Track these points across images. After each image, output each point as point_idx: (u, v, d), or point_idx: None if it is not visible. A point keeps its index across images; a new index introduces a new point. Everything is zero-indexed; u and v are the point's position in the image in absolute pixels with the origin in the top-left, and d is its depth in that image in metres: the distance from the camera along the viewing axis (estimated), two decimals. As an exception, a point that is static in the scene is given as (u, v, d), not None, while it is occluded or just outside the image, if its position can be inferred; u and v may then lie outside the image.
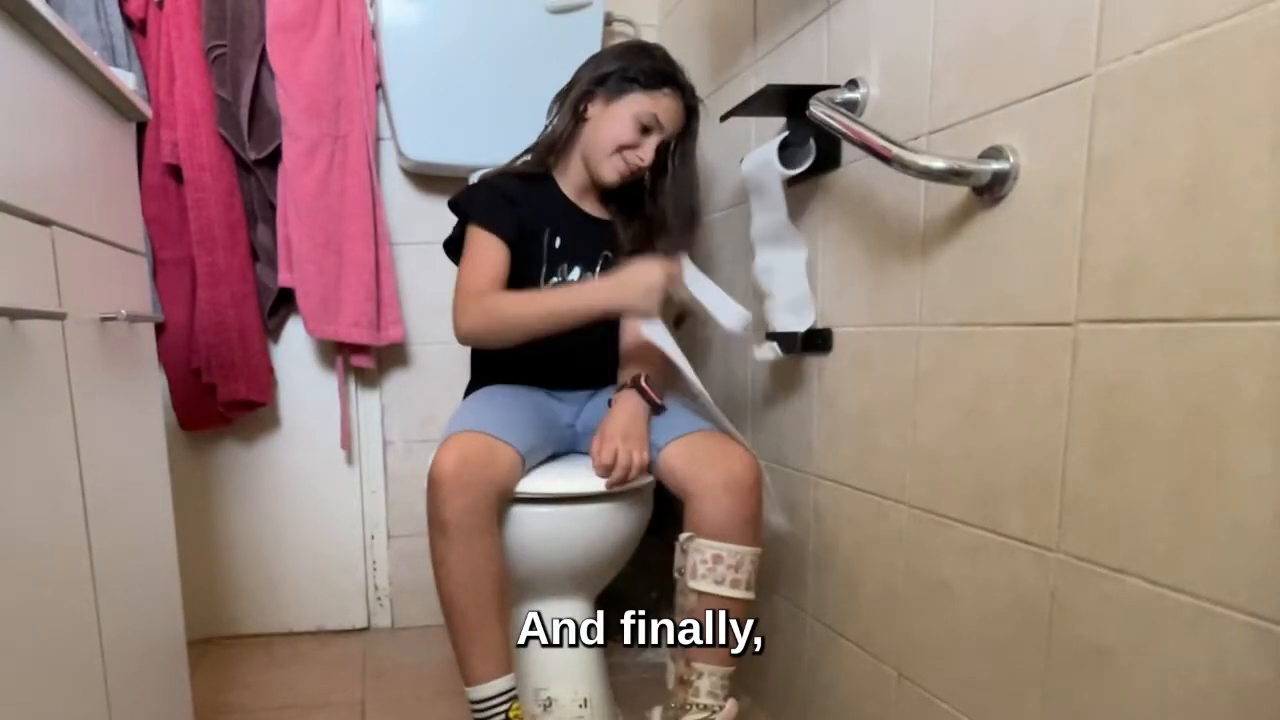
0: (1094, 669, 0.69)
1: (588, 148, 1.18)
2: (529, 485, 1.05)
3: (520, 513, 1.06)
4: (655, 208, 1.21)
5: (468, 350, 1.30)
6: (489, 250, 1.15)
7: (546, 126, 1.23)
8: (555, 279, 1.20)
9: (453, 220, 1.23)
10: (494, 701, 0.98)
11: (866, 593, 1.02)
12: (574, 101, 1.19)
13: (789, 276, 1.09)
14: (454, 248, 1.22)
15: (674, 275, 1.07)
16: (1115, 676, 0.67)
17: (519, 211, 1.17)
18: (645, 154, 1.15)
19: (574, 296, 1.09)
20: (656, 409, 1.11)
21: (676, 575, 1.02)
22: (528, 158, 1.25)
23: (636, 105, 1.14)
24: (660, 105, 1.14)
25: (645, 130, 1.14)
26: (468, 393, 1.28)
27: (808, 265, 1.09)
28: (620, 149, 1.15)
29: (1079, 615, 0.70)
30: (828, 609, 1.11)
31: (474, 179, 1.29)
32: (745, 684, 1.33)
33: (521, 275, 1.18)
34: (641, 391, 1.11)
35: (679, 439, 1.06)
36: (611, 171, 1.17)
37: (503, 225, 1.15)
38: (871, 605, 1.01)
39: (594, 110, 1.18)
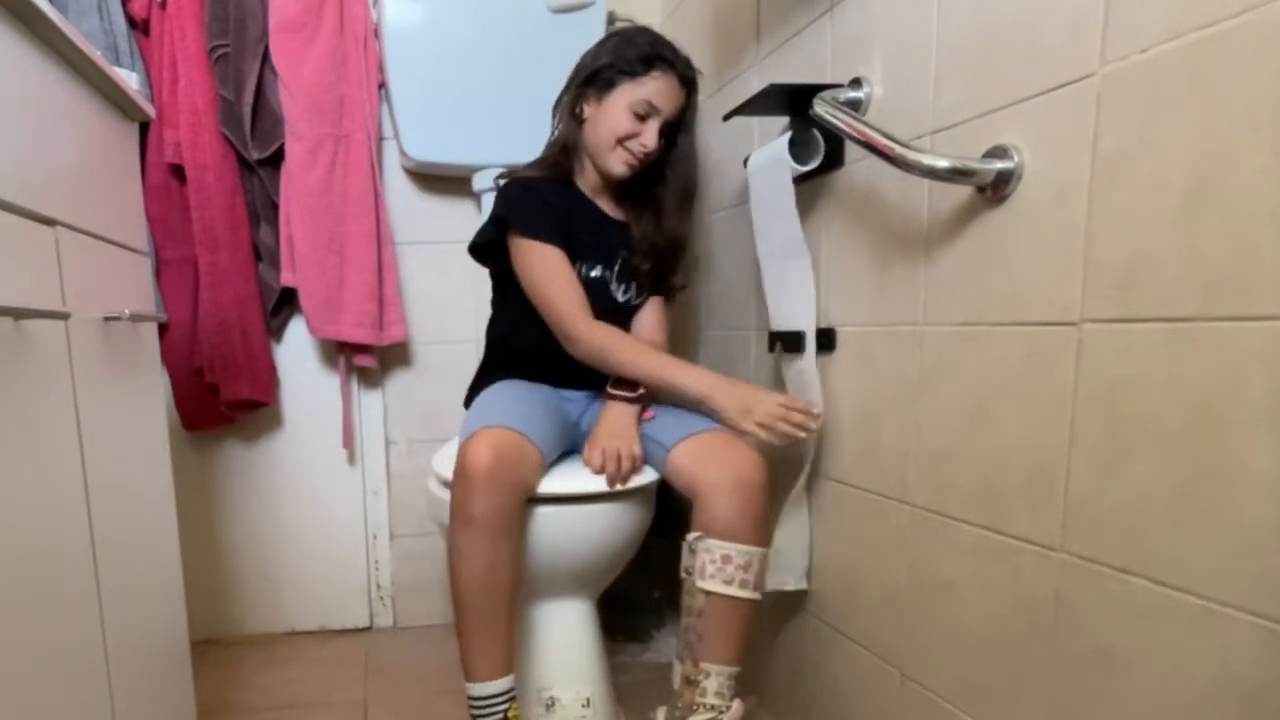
0: (1098, 669, 0.69)
1: (591, 148, 1.19)
2: (532, 485, 1.05)
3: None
4: (664, 188, 1.22)
5: (469, 350, 1.30)
6: (556, 263, 1.15)
7: (553, 132, 1.24)
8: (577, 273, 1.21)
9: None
10: (494, 701, 0.98)
11: (870, 593, 1.02)
12: (568, 106, 1.20)
13: (795, 282, 1.09)
14: (486, 251, 1.22)
15: (765, 425, 1.00)
16: (1119, 676, 0.67)
17: (556, 212, 1.18)
18: (648, 139, 1.14)
19: (680, 373, 1.08)
20: (640, 401, 1.13)
21: (684, 575, 1.02)
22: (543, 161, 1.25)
23: (627, 96, 1.14)
24: (650, 89, 1.13)
25: (642, 118, 1.14)
26: (473, 385, 1.28)
27: (811, 265, 1.09)
28: (620, 141, 1.15)
29: (1083, 615, 0.70)
30: (831, 609, 1.11)
31: (501, 179, 1.26)
32: (749, 684, 1.33)
33: None
34: (618, 395, 1.12)
35: (687, 439, 1.06)
36: (618, 164, 1.17)
37: (556, 234, 1.15)
38: (875, 605, 1.01)
39: (589, 110, 1.18)
